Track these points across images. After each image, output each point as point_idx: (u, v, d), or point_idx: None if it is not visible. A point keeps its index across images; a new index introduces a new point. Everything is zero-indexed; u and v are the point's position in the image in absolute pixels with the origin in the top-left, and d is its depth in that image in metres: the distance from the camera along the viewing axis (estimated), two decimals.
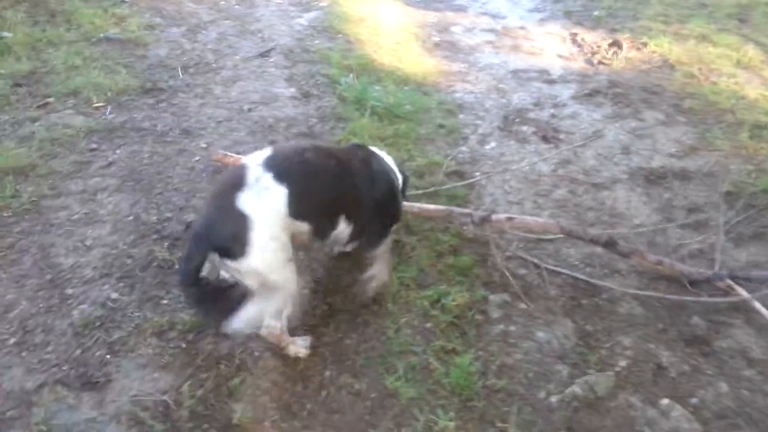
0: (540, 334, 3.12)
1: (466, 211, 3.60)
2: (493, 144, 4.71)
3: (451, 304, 3.19)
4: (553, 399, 2.81)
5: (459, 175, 4.32)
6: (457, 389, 2.79)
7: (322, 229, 2.75)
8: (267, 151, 2.59)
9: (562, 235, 3.54)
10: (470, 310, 3.18)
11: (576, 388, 2.85)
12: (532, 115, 5.10)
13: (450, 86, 5.55)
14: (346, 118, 4.70)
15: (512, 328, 3.15)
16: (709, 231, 3.81)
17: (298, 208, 2.51)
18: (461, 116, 5.08)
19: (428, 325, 3.10)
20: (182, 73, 5.14)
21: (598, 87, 5.49)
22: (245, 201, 2.35)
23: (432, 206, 3.68)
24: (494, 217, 3.50)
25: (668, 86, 5.53)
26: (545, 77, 5.80)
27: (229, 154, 3.89)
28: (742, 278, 3.31)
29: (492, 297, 3.29)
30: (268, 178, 2.42)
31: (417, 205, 3.67)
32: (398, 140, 4.55)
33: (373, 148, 3.12)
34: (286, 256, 2.49)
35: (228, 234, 2.34)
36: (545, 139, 4.74)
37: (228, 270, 2.54)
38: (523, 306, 3.27)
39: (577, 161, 4.49)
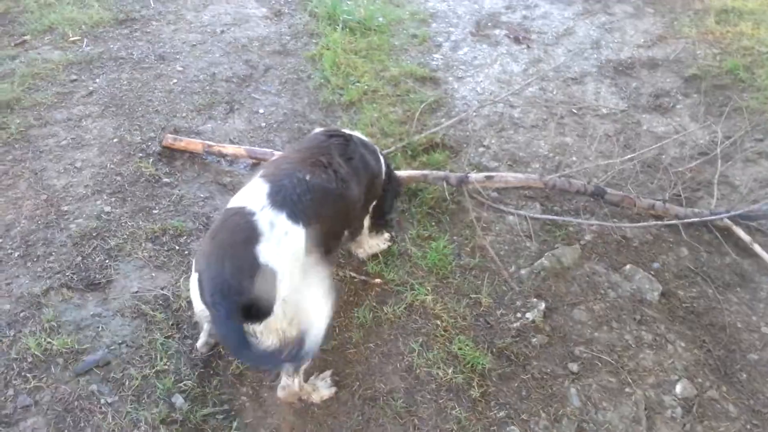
0: (510, 218, 3.31)
1: (442, 174, 3.40)
2: (465, 49, 4.78)
3: (427, 197, 3.37)
4: (523, 272, 3.04)
5: (433, 81, 4.42)
6: (434, 269, 3.01)
7: (329, 248, 2.55)
8: (262, 185, 2.21)
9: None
10: (445, 201, 3.37)
11: (544, 261, 3.07)
12: (504, 18, 5.14)
13: None
14: (318, 34, 4.75)
15: (485, 214, 3.34)
16: (674, 114, 3.96)
17: (324, 241, 2.30)
18: (434, 25, 5.11)
19: (405, 216, 3.29)
20: (153, 2, 5.14)
21: None
22: (266, 253, 2.01)
23: (408, 171, 3.46)
24: (472, 177, 3.35)
25: None
26: None
27: (179, 138, 3.63)
28: (740, 216, 3.20)
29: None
30: (283, 220, 2.10)
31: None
32: (372, 52, 4.63)
33: (348, 132, 2.76)
34: (315, 295, 2.11)
35: (253, 294, 1.98)
36: (517, 40, 4.79)
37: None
38: (495, 194, 3.46)
39: (548, 59, 4.57)
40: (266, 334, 2.10)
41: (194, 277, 2.05)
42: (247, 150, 3.54)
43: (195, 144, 3.58)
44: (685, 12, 4.90)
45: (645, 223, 3.24)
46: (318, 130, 2.76)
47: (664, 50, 4.52)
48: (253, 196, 2.18)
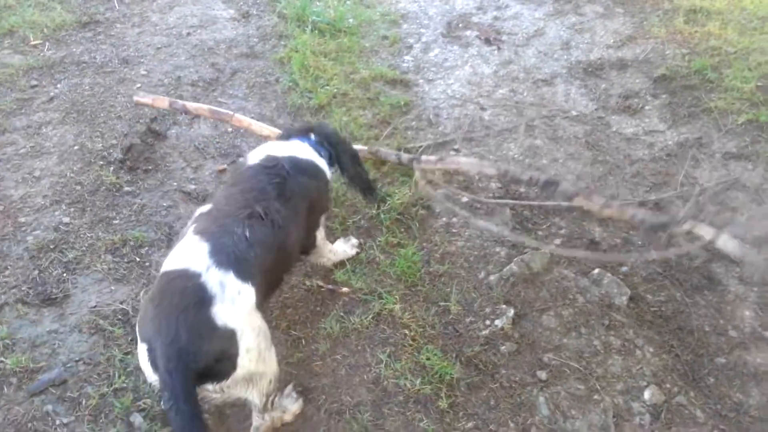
0: (480, 223, 3.28)
1: (393, 152, 3.45)
2: (436, 51, 4.74)
3: (396, 203, 3.33)
4: (492, 278, 3.01)
5: (404, 84, 4.37)
6: (403, 277, 2.97)
7: (271, 291, 2.52)
8: (201, 244, 2.09)
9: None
10: (414, 207, 3.33)
11: (513, 266, 3.05)
12: (475, 19, 5.11)
13: None
14: (287, 36, 4.68)
15: (454, 219, 3.31)
16: (643, 116, 3.97)
17: (266, 291, 2.29)
18: (405, 26, 5.07)
19: (374, 223, 3.25)
20: (118, 4, 5.03)
21: None
22: (223, 315, 1.95)
23: (357, 146, 3.39)
24: (423, 158, 3.35)
25: None
26: None
27: (147, 94, 3.73)
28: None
29: (435, 192, 3.44)
30: (232, 279, 2.02)
31: None
32: (342, 54, 4.57)
33: (276, 154, 2.58)
34: (267, 343, 2.16)
35: (213, 357, 1.93)
36: (488, 41, 4.77)
37: (208, 393, 2.08)
38: (465, 199, 3.43)
39: (518, 60, 4.55)
40: (234, 387, 2.06)
41: (142, 347, 1.92)
42: (210, 109, 3.47)
43: (161, 100, 3.53)
44: (655, 12, 4.92)
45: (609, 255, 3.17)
46: (251, 161, 2.55)
47: (634, 51, 4.53)
48: (193, 256, 2.05)
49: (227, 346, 1.95)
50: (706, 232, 3.04)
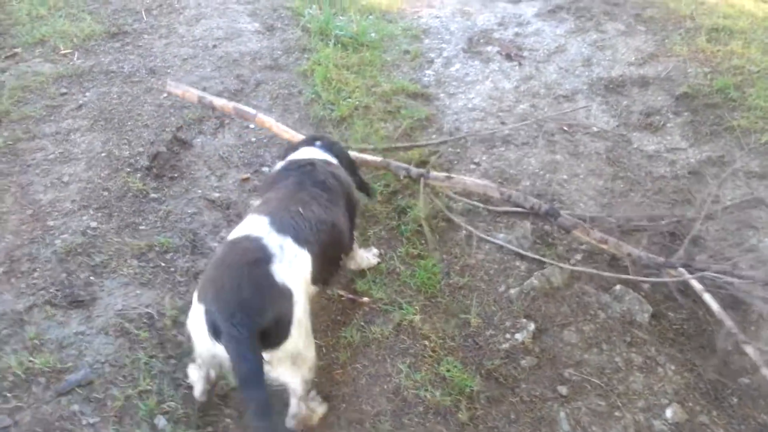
0: (500, 236, 3.29)
1: (403, 165, 3.46)
2: (457, 66, 4.78)
3: (417, 215, 3.35)
4: (512, 291, 3.02)
5: (425, 97, 4.42)
6: (423, 288, 2.98)
7: (329, 278, 2.60)
8: (261, 218, 2.22)
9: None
10: (434, 218, 3.35)
11: (533, 280, 3.05)
12: (496, 35, 5.15)
13: (415, 12, 5.58)
14: (310, 49, 4.75)
15: (474, 230, 3.32)
16: (665, 133, 3.97)
17: (324, 268, 2.36)
18: (426, 41, 5.12)
19: (395, 234, 3.27)
20: (146, 16, 5.14)
21: (561, 3, 5.53)
22: (281, 273, 2.01)
23: (370, 156, 3.56)
24: (432, 174, 3.40)
25: None
26: None
27: (179, 85, 3.79)
28: (697, 269, 2.92)
29: (455, 205, 3.46)
30: (290, 243, 2.12)
31: (355, 153, 3.46)
32: (364, 68, 4.63)
33: (312, 159, 2.70)
34: (310, 325, 2.21)
35: (272, 315, 1.96)
36: (509, 57, 4.81)
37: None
38: (485, 212, 3.44)
39: (539, 76, 4.58)
40: (280, 362, 2.08)
41: (198, 309, 1.96)
42: (235, 107, 3.58)
43: (191, 94, 3.64)
44: (677, 30, 4.93)
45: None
46: (280, 164, 2.76)
47: (655, 68, 4.54)
48: (254, 226, 2.19)
49: (284, 306, 2.01)
50: (696, 286, 2.94)
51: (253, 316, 1.90)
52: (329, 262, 2.50)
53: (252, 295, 1.93)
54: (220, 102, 3.64)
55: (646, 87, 4.38)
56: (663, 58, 4.64)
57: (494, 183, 3.49)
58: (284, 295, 2.01)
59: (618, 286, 3.04)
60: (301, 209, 2.32)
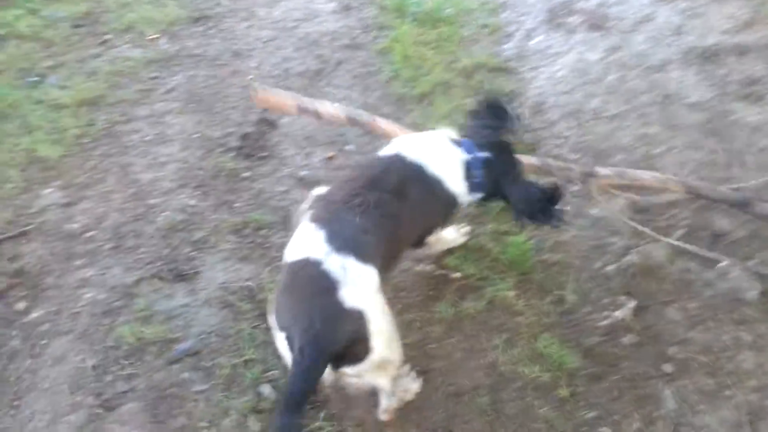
0: (593, 212, 3.20)
1: (565, 165, 3.01)
2: (539, 38, 4.64)
3: None
4: (609, 268, 2.93)
5: (507, 71, 4.32)
6: (514, 264, 2.94)
7: (392, 267, 2.50)
8: (316, 231, 2.13)
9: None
10: None
11: (632, 257, 2.95)
12: (578, 5, 4.95)
13: None
14: (387, 27, 4.72)
15: (567, 208, 3.24)
16: (766, 103, 3.73)
17: (387, 270, 2.32)
18: (504, 14, 4.99)
19: (481, 211, 3.22)
20: None
21: None
22: (350, 297, 1.99)
23: (527, 157, 2.97)
24: (600, 171, 2.96)
25: None
26: None
27: (267, 88, 3.30)
28: None
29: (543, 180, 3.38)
30: (352, 263, 2.05)
31: None
32: (442, 44, 4.56)
33: (409, 154, 2.45)
34: (393, 327, 2.19)
35: (347, 339, 1.98)
36: (594, 27, 4.63)
37: (347, 377, 2.19)
38: (576, 187, 3.34)
39: (627, 46, 4.38)
40: (370, 372, 2.12)
41: (281, 336, 2.02)
42: (347, 116, 3.05)
43: (290, 107, 3.10)
44: None
45: None
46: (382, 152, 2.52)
47: (753, 36, 4.26)
48: (311, 244, 2.10)
49: (358, 327, 2.00)
50: None
51: (325, 346, 1.94)
52: (388, 265, 2.38)
53: (323, 327, 1.93)
54: (327, 109, 3.05)
55: (743, 55, 4.11)
56: (759, 25, 4.34)
57: (675, 176, 3.05)
58: (355, 317, 1.99)
59: (723, 263, 2.90)
60: (357, 219, 2.18)
